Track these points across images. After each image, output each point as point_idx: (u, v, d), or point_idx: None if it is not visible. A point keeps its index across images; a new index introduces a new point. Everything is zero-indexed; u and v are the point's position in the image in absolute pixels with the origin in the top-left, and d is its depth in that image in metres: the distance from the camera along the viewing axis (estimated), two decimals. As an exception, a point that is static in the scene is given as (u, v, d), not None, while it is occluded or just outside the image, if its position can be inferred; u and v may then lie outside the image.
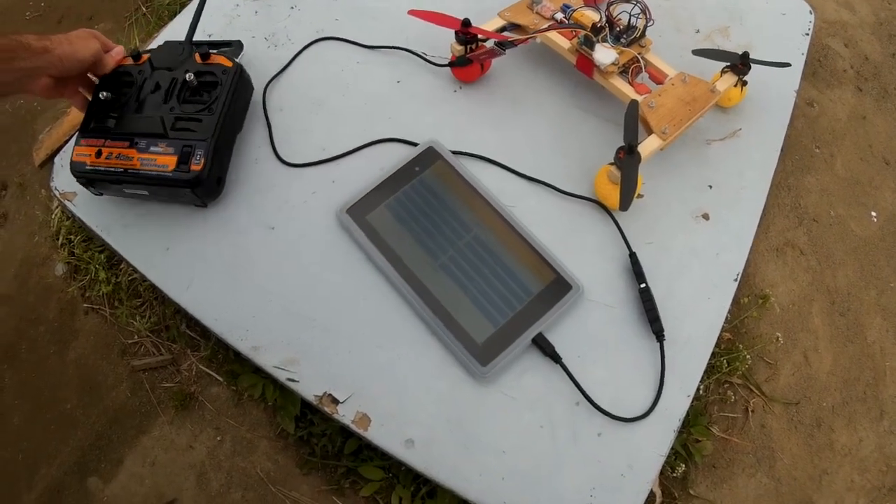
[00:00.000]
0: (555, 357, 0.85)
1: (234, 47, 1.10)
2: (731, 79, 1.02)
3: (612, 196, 0.92)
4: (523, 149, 1.03)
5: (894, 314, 1.45)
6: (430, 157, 0.98)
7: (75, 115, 1.62)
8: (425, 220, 0.93)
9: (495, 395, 0.85)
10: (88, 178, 0.94)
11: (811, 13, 1.22)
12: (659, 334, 0.87)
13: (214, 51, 1.02)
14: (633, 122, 0.89)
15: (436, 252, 0.90)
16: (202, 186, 0.92)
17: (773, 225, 1.53)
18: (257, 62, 1.11)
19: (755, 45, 1.15)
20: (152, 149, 0.92)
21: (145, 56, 1.00)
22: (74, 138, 0.96)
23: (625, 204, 0.89)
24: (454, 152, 1.00)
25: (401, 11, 1.07)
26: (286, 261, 0.94)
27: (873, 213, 1.58)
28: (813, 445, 1.31)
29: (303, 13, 1.19)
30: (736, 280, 0.93)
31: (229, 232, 0.97)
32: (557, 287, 0.88)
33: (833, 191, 1.60)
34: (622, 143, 0.88)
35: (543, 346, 0.85)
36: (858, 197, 1.60)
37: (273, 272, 0.94)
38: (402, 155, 1.00)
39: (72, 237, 1.50)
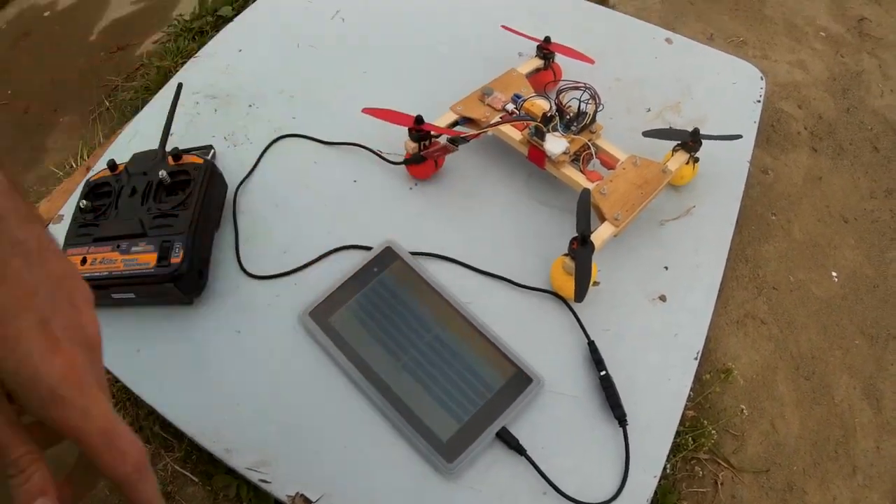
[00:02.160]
0: (519, 449, 0.85)
1: (204, 149, 1.13)
2: (682, 157, 1.03)
3: (568, 287, 0.93)
4: (479, 243, 1.04)
5: (861, 371, 1.47)
6: (387, 257, 0.99)
7: (43, 209, 1.63)
8: (386, 321, 0.94)
9: (463, 489, 0.85)
10: None
11: (762, 79, 1.25)
12: (621, 420, 0.87)
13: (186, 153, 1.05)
14: (586, 212, 0.91)
15: (398, 352, 0.91)
16: (183, 279, 0.93)
17: (732, 298, 1.55)
18: (218, 163, 1.12)
19: (708, 118, 1.18)
20: (133, 249, 0.93)
21: (122, 166, 1.03)
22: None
23: (580, 295, 0.90)
24: (412, 252, 1.01)
25: (356, 109, 1.08)
26: (253, 363, 0.95)
27: (834, 274, 1.60)
28: (787, 509, 1.32)
29: (261, 111, 1.21)
30: (696, 359, 0.94)
31: (196, 335, 0.97)
32: (518, 381, 0.89)
33: (792, 256, 1.62)
34: (576, 233, 0.90)
35: (507, 440, 0.85)
36: (818, 259, 1.62)
37: (241, 375, 0.94)
38: (361, 256, 1.01)
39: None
